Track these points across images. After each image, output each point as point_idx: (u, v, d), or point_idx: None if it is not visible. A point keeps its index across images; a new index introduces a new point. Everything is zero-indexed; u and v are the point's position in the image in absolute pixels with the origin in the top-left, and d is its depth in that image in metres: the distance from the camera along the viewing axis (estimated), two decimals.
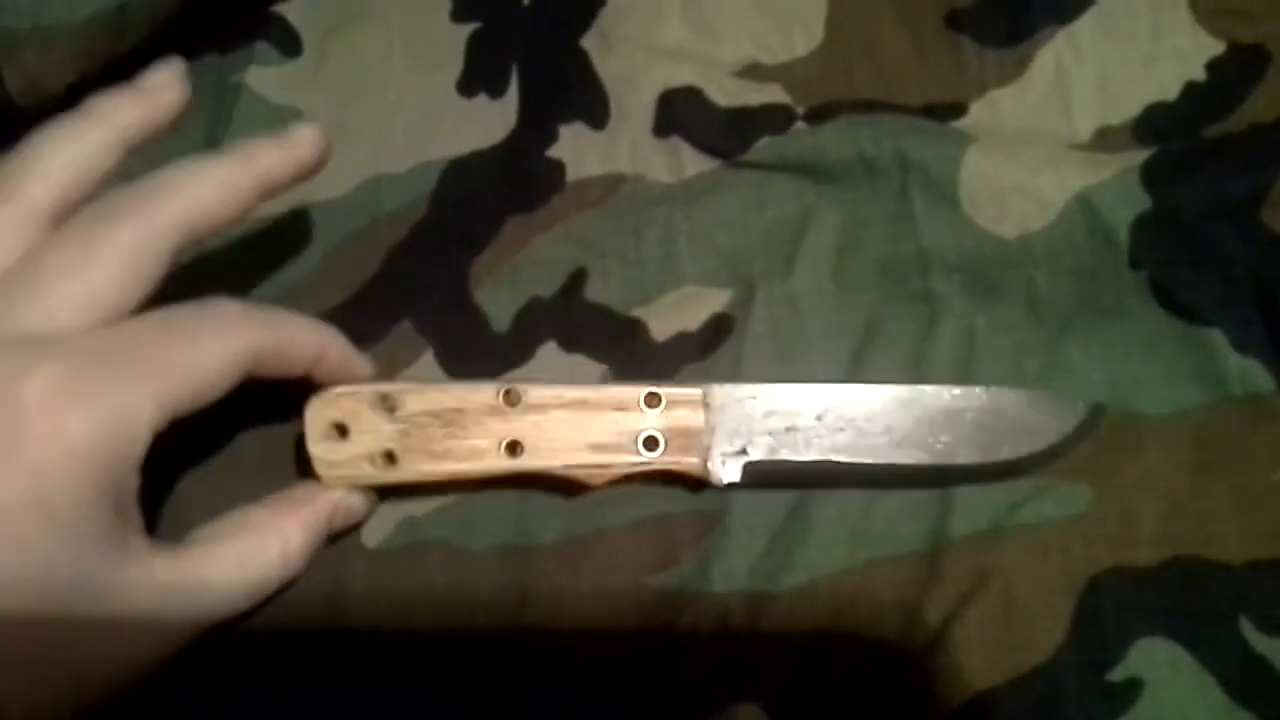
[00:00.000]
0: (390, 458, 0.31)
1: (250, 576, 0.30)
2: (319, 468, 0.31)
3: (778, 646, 0.33)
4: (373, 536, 0.35)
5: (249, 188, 0.29)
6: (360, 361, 0.32)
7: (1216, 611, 0.32)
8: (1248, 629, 0.32)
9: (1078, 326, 0.36)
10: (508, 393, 0.32)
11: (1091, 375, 0.35)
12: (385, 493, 0.34)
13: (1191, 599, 0.32)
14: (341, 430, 0.31)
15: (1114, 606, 0.33)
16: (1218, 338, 0.34)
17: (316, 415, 0.31)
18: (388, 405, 0.31)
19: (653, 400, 0.32)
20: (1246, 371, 0.34)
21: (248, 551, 0.30)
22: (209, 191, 0.28)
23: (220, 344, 0.28)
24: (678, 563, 0.34)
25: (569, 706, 0.33)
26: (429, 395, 0.31)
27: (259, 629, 0.33)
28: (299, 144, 0.30)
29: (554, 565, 0.35)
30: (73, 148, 0.28)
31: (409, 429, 0.31)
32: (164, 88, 0.30)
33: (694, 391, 0.33)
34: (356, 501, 0.32)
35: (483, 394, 0.32)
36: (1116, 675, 0.32)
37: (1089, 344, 0.35)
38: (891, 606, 0.33)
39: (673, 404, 0.33)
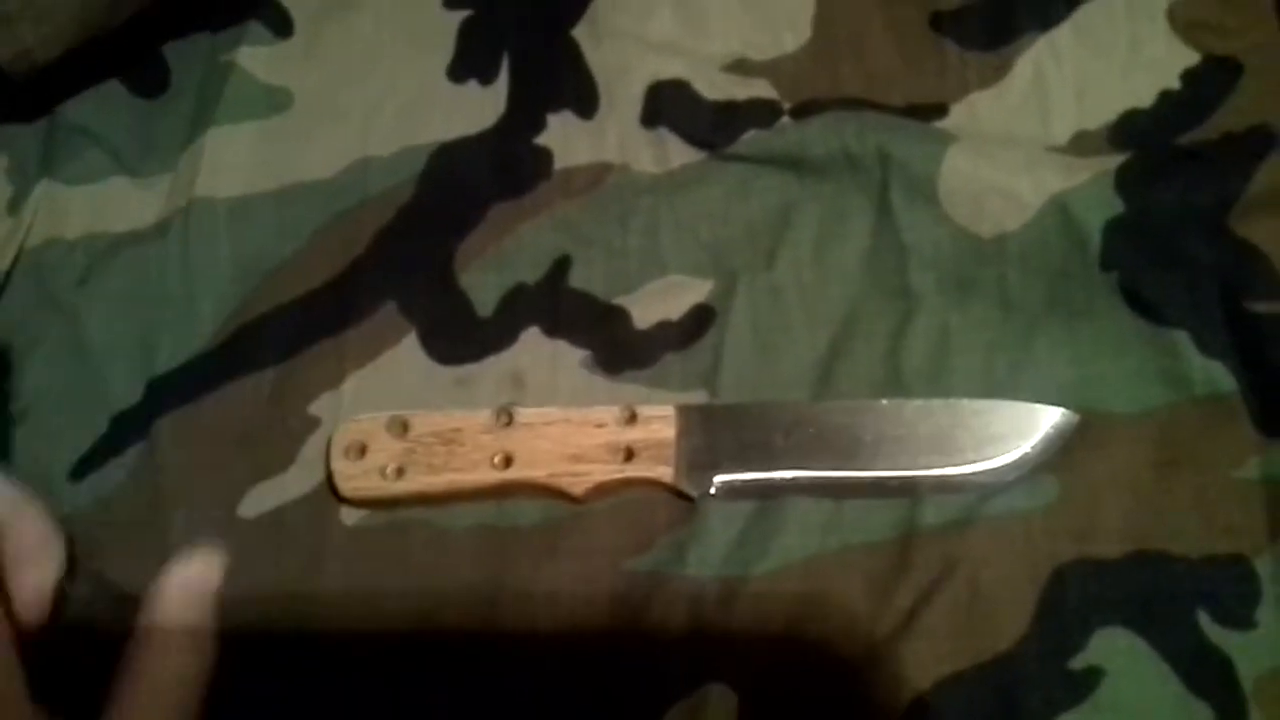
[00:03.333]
0: (399, 471, 0.35)
1: None
2: (339, 481, 0.35)
3: (750, 629, 0.34)
4: (351, 514, 0.36)
5: None
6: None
7: (1175, 603, 0.33)
8: (1204, 621, 0.33)
9: (1048, 325, 0.36)
10: (502, 414, 0.35)
11: (1060, 373, 0.36)
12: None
13: (1151, 591, 0.33)
14: (361, 449, 0.35)
15: (1077, 597, 0.33)
16: (1183, 339, 0.35)
17: (340, 438, 0.35)
18: (400, 428, 0.35)
19: (630, 418, 0.35)
20: (1210, 372, 0.35)
21: None
22: None
23: None
24: (654, 547, 0.35)
25: (543, 685, 0.34)
26: (434, 418, 0.35)
27: (231, 601, 0.33)
28: None
29: (533, 546, 0.35)
30: None
31: (415, 447, 0.35)
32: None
33: (667, 410, 0.35)
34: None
35: (480, 416, 0.35)
36: (1077, 663, 0.33)
37: (1058, 343, 0.36)
38: (862, 592, 0.34)
39: (648, 420, 0.35)
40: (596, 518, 0.35)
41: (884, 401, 0.35)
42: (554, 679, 0.34)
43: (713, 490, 0.35)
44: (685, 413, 0.35)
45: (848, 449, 0.35)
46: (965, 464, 0.34)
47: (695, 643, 0.34)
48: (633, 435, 0.35)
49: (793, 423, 0.35)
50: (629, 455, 0.35)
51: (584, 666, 0.34)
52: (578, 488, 0.35)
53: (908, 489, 0.35)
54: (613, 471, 0.35)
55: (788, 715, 0.33)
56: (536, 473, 0.35)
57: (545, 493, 0.35)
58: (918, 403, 0.35)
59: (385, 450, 0.35)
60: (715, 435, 0.35)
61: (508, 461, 0.35)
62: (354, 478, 0.35)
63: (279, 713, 0.33)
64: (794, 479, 0.35)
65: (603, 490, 0.35)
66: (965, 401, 0.35)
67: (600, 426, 0.35)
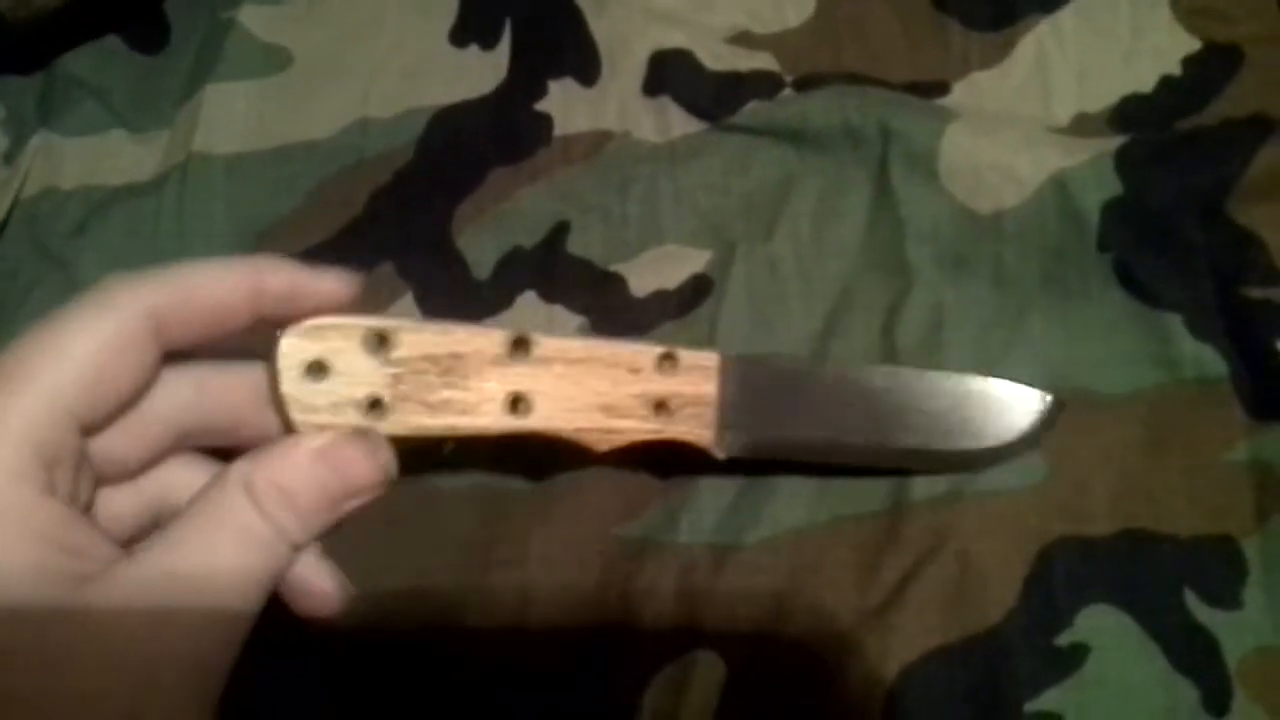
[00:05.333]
0: (378, 405, 0.27)
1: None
2: (293, 411, 0.26)
3: (738, 597, 0.34)
4: None
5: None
6: (328, 280, 0.26)
7: (1162, 582, 0.33)
8: (1191, 600, 0.33)
9: (1042, 304, 0.36)
10: (516, 341, 0.28)
11: (1052, 352, 0.36)
12: None
13: (1139, 569, 0.34)
14: (320, 369, 0.26)
15: (1064, 574, 0.34)
16: (1175, 322, 0.35)
17: (292, 350, 0.26)
18: (379, 344, 0.27)
19: (667, 364, 0.30)
20: (1201, 356, 0.35)
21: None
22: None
23: (92, 321, 0.24)
24: (645, 513, 0.35)
25: (531, 648, 0.34)
26: (427, 336, 0.27)
27: None
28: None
29: (526, 508, 0.35)
30: None
31: (403, 374, 0.27)
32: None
33: (710, 357, 0.31)
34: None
35: (488, 340, 0.28)
36: (1064, 640, 0.33)
37: (1051, 321, 0.36)
38: (851, 564, 0.34)
39: (687, 369, 0.30)
40: (589, 482, 0.35)
41: (906, 370, 0.34)
42: (543, 642, 0.34)
43: (739, 452, 0.32)
44: (728, 365, 0.31)
45: (882, 417, 0.33)
46: (974, 441, 0.34)
47: (684, 609, 0.34)
48: (669, 386, 0.30)
49: (830, 387, 0.33)
50: (661, 407, 0.30)
51: (573, 631, 0.34)
52: (605, 446, 0.30)
53: (918, 463, 0.34)
54: (647, 431, 0.30)
55: (774, 683, 0.33)
56: (559, 424, 0.29)
57: (559, 445, 0.30)
58: (937, 375, 0.34)
59: (358, 373, 0.26)
60: (754, 394, 0.31)
61: (518, 405, 0.28)
62: (316, 410, 0.26)
63: (267, 672, 0.33)
64: (823, 444, 0.33)
65: (629, 451, 0.31)
66: (977, 378, 0.34)
67: (634, 371, 0.29)
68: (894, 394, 0.33)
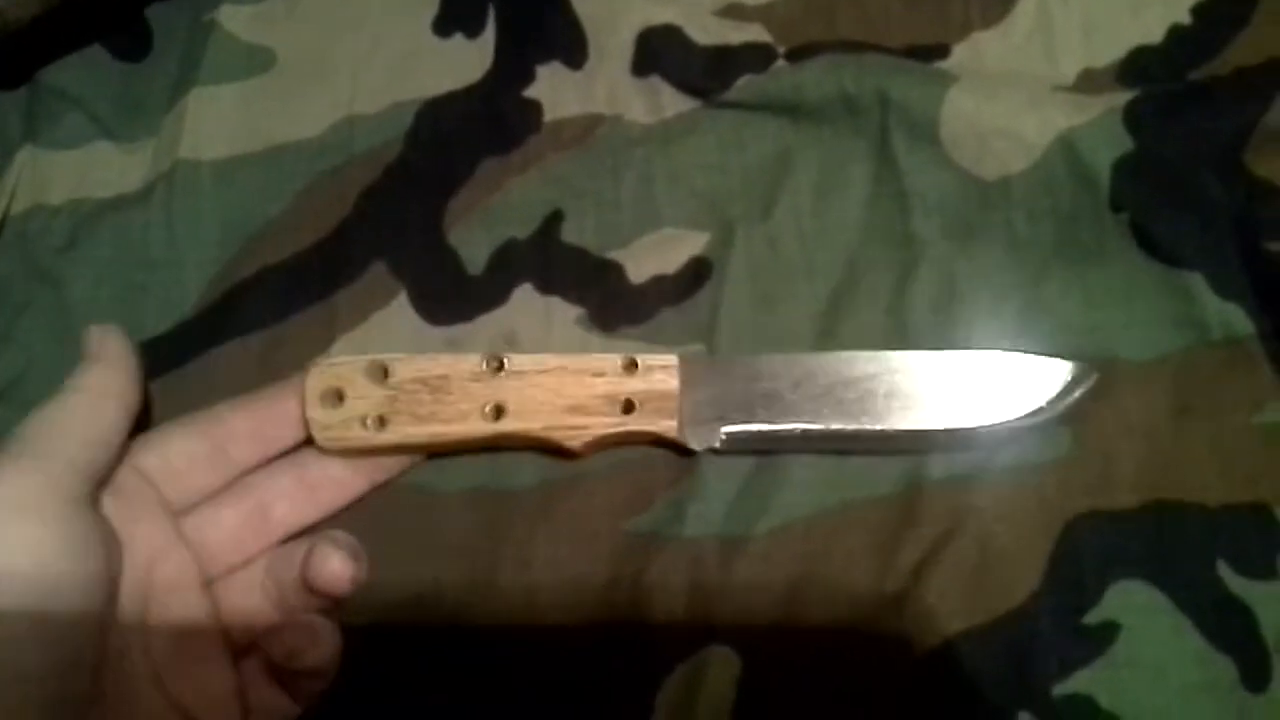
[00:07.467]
0: (381, 421, 0.32)
1: None
2: (315, 430, 0.33)
3: (751, 589, 0.33)
4: None
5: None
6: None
7: (1193, 554, 0.32)
8: (1224, 571, 0.32)
9: (1057, 270, 0.35)
10: (492, 360, 0.33)
11: (1071, 320, 0.35)
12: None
13: (1168, 542, 0.32)
14: (338, 396, 0.33)
15: (1091, 549, 0.32)
16: (1198, 281, 0.34)
17: (315, 383, 0.33)
18: (380, 373, 0.33)
19: (630, 367, 0.33)
20: (1226, 315, 0.34)
21: None
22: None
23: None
24: (652, 506, 0.34)
25: (540, 650, 0.33)
26: (418, 364, 0.33)
27: None
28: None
29: (529, 508, 0.34)
30: None
31: (398, 394, 0.33)
32: None
33: (669, 358, 0.33)
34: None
35: (468, 362, 0.33)
36: (1092, 618, 0.32)
37: (1068, 288, 0.35)
38: (866, 549, 0.33)
39: (650, 370, 0.33)
40: (593, 478, 0.34)
41: (895, 353, 0.33)
42: (552, 645, 0.33)
43: (717, 444, 0.33)
44: (690, 364, 0.33)
45: (859, 402, 0.33)
46: (978, 419, 0.33)
47: (696, 604, 0.33)
48: (633, 386, 0.33)
49: (802, 375, 0.33)
50: (629, 407, 0.33)
51: (583, 632, 0.33)
52: (575, 441, 0.33)
53: (919, 444, 0.33)
54: (613, 425, 0.33)
55: (791, 676, 0.32)
56: (531, 425, 0.33)
57: (539, 446, 0.33)
58: (931, 355, 0.33)
59: (365, 398, 0.32)
60: (721, 387, 0.33)
61: (499, 412, 0.33)
62: (331, 427, 0.32)
63: None
64: (802, 432, 0.33)
65: (601, 444, 0.33)
66: (979, 353, 0.33)
67: (599, 376, 0.33)
68: (885, 377, 0.33)
